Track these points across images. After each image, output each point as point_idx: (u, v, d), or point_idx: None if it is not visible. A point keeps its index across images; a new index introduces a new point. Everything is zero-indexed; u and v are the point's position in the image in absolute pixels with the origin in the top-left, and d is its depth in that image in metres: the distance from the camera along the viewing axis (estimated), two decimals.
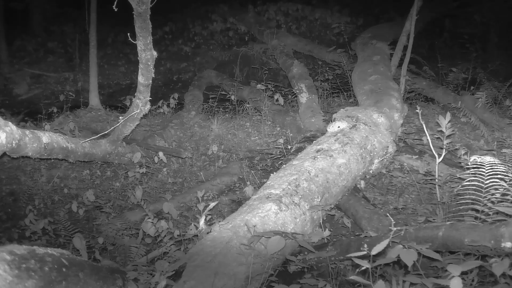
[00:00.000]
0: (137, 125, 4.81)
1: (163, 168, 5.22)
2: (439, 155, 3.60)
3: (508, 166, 3.00)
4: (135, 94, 4.37)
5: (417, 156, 4.46)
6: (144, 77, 4.15)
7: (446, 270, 2.03)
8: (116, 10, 3.46)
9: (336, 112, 4.61)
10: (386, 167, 4.39)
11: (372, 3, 10.77)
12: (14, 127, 3.37)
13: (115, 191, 4.83)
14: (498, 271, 2.08)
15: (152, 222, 3.38)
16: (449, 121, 3.51)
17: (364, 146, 4.03)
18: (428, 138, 3.79)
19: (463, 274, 2.25)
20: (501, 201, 2.75)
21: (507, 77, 6.14)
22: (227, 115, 6.59)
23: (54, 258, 2.26)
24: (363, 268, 2.17)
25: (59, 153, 4.06)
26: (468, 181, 2.97)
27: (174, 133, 5.96)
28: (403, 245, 2.13)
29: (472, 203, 2.85)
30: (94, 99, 7.05)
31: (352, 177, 3.85)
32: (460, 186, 3.15)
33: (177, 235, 3.36)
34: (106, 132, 4.77)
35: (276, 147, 5.16)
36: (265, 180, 3.83)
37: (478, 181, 2.91)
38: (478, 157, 3.07)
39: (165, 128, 5.95)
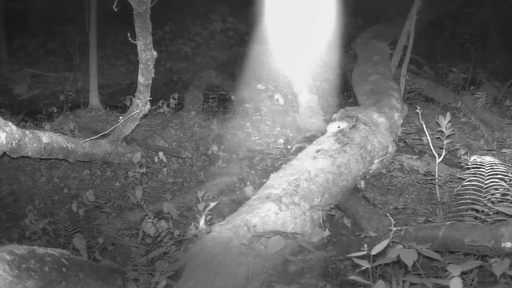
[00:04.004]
0: (137, 125, 4.81)
1: (163, 168, 5.22)
2: (439, 155, 3.60)
3: (508, 166, 3.00)
4: (135, 94, 4.37)
5: (417, 156, 4.46)
6: (144, 77, 4.15)
7: (446, 270, 2.03)
8: (116, 10, 3.46)
9: (336, 112, 4.61)
10: (386, 167, 4.39)
11: (372, 3, 10.76)
12: (14, 127, 3.37)
13: (115, 191, 4.83)
14: (498, 271, 2.08)
15: (152, 222, 3.38)
16: (449, 121, 3.51)
17: (364, 146, 4.03)
18: (428, 138, 3.79)
19: (463, 274, 2.25)
20: (501, 201, 2.75)
21: (507, 77, 6.15)
22: (227, 115, 6.59)
23: (54, 258, 2.26)
24: (363, 268, 2.17)
25: (59, 153, 4.06)
26: (468, 181, 2.97)
27: (174, 133, 5.96)
28: (403, 245, 2.13)
29: (472, 203, 2.85)
30: (94, 99, 7.05)
31: (352, 177, 3.85)
32: (460, 186, 3.15)
33: (177, 235, 3.36)
34: (106, 132, 4.76)
35: (276, 147, 5.15)
36: (265, 180, 3.83)
37: (478, 181, 2.91)
38: (478, 157, 3.07)
39: (165, 128, 5.96)
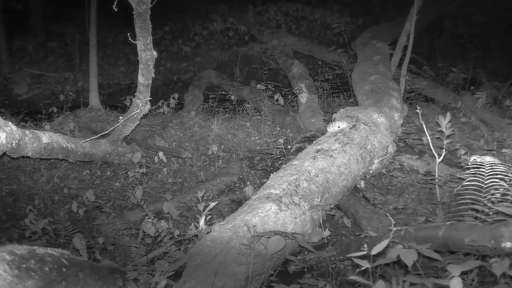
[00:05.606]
0: (137, 125, 4.81)
1: (163, 168, 5.22)
2: (439, 155, 3.59)
3: (508, 166, 3.00)
4: (135, 94, 4.37)
5: (417, 156, 4.46)
6: (144, 77, 4.15)
7: (446, 270, 2.03)
8: (116, 10, 3.46)
9: (336, 112, 4.61)
10: (386, 167, 4.39)
11: (372, 3, 10.76)
12: (14, 127, 3.37)
13: (115, 191, 4.83)
14: (498, 271, 2.08)
15: (152, 222, 3.38)
16: (449, 121, 3.50)
17: (364, 146, 4.03)
18: (428, 138, 3.78)
19: (463, 274, 2.25)
20: (501, 201, 2.75)
21: (507, 77, 6.14)
22: (227, 115, 6.59)
23: (54, 258, 2.26)
24: (363, 268, 2.17)
25: (59, 153, 4.06)
26: (468, 181, 2.97)
27: (174, 133, 5.96)
28: (403, 245, 2.13)
29: (472, 203, 2.85)
30: (94, 99, 7.05)
31: (352, 177, 3.85)
32: (460, 186, 3.15)
33: (177, 235, 3.36)
34: (106, 132, 4.77)
35: (276, 147, 5.16)
36: (265, 180, 3.83)
37: (478, 181, 2.91)
38: (478, 157, 3.07)
39: (165, 128, 5.96)
